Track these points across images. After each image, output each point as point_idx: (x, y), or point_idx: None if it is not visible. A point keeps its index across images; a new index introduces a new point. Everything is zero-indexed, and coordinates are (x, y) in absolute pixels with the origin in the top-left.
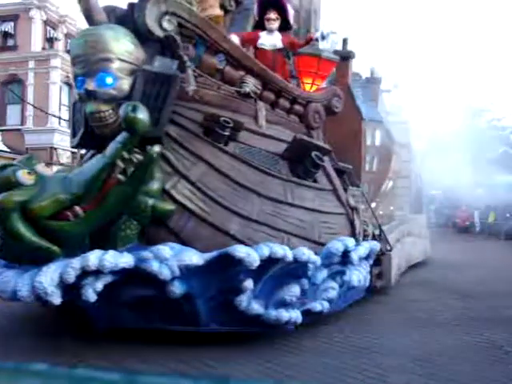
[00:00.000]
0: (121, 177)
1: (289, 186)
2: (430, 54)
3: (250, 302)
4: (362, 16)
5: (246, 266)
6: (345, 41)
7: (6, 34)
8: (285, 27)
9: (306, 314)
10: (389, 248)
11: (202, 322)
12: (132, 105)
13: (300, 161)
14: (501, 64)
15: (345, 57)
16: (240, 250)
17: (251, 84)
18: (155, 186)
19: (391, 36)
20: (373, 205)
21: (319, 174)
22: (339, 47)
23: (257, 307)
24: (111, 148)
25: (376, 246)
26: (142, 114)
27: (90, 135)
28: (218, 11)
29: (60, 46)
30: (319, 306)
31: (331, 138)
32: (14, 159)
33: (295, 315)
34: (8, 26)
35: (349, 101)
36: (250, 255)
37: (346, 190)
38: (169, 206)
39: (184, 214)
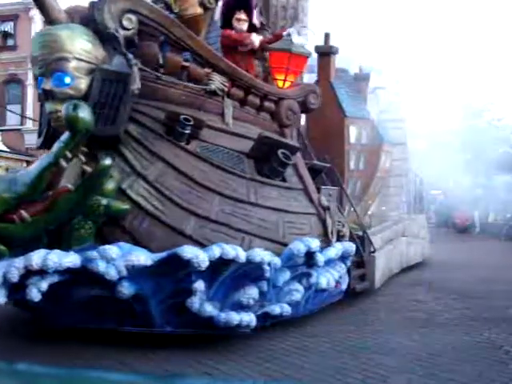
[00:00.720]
0: (70, 186)
1: (252, 186)
2: (431, 52)
3: (202, 304)
4: (364, 14)
5: (195, 267)
6: (327, 36)
7: (6, 34)
8: (251, 29)
9: (265, 317)
10: (372, 249)
11: (155, 324)
12: (73, 104)
13: (266, 159)
14: (501, 64)
15: (326, 52)
16: (188, 251)
17: (217, 81)
18: (110, 185)
19: (391, 34)
20: (362, 204)
21: (289, 172)
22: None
23: (210, 309)
24: (55, 148)
25: (351, 247)
26: (84, 113)
27: (53, 135)
28: (198, 10)
29: None
30: (278, 308)
31: (312, 135)
32: (14, 159)
33: (248, 318)
34: (8, 26)
35: (331, 97)
36: (199, 256)
37: (318, 189)
38: (123, 205)
39: (139, 214)
